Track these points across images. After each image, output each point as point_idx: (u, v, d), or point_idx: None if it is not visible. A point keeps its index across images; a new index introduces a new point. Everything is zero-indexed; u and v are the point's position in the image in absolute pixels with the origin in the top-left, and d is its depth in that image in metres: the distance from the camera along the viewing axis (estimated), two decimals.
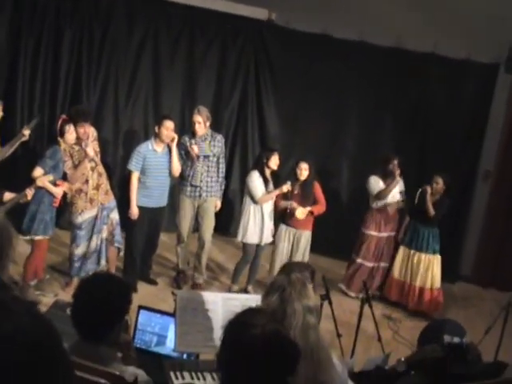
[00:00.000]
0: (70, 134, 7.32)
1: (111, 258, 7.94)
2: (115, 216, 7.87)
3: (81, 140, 7.40)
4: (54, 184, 7.15)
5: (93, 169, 7.55)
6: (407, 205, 8.98)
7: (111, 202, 7.86)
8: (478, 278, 10.45)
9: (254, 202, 8.10)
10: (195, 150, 8.00)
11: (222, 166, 8.46)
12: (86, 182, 7.51)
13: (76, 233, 7.62)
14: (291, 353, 2.54)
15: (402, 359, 3.84)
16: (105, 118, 10.02)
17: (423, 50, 10.07)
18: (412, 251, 8.72)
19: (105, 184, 7.74)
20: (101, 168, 7.73)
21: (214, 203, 8.37)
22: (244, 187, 8.38)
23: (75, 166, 7.41)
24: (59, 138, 7.32)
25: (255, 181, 8.07)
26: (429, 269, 8.64)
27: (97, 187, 7.59)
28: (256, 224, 8.14)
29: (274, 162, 8.10)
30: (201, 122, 8.02)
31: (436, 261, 8.67)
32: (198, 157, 8.04)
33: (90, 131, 7.53)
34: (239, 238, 8.28)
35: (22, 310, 1.52)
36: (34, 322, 1.53)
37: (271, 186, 8.18)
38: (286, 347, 2.52)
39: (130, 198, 7.90)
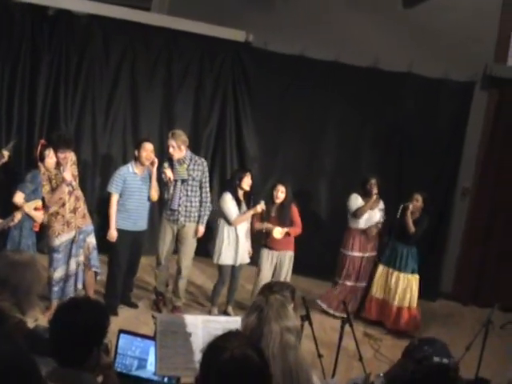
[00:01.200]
0: (50, 158, 7.35)
1: (89, 282, 7.89)
2: (92, 240, 7.81)
3: (60, 165, 7.40)
4: (34, 208, 7.14)
5: (70, 193, 7.52)
6: (387, 224, 9.01)
7: (88, 225, 7.81)
8: (458, 295, 10.50)
9: (229, 223, 8.11)
10: (168, 174, 7.99)
11: (206, 191, 8.29)
12: (63, 205, 7.48)
13: (53, 256, 7.57)
14: (259, 376, 2.55)
15: (381, 374, 3.85)
16: (83, 141, 9.99)
17: (399, 69, 10.19)
18: (390, 270, 8.74)
19: (82, 208, 7.71)
20: (78, 192, 7.71)
21: (193, 229, 8.27)
22: None
23: (53, 190, 7.40)
24: (39, 163, 7.33)
25: (228, 202, 8.07)
26: (407, 288, 8.65)
27: (74, 211, 7.56)
28: (230, 245, 8.13)
29: (247, 182, 8.10)
30: (175, 146, 7.97)
31: (414, 280, 8.69)
32: (175, 181, 8.02)
33: (70, 156, 7.52)
34: (214, 260, 8.27)
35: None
36: (10, 349, 1.54)
37: (244, 206, 8.17)
38: (253, 370, 2.53)
39: (109, 220, 7.88)
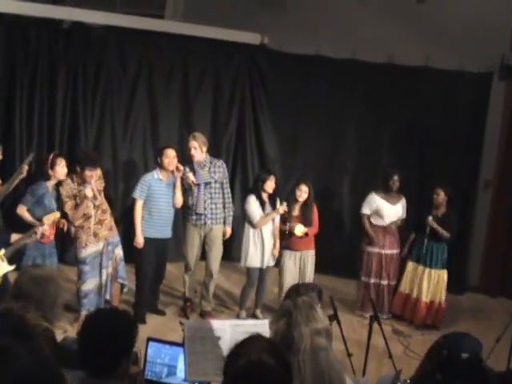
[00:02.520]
0: (61, 167, 7.37)
1: (114, 293, 7.94)
2: (119, 252, 7.87)
3: (85, 182, 7.46)
4: (39, 220, 7.05)
5: (95, 207, 7.57)
6: (410, 220, 8.98)
7: (115, 237, 7.86)
8: (485, 288, 10.44)
9: (253, 226, 8.13)
10: (190, 177, 8.00)
11: (227, 191, 8.37)
12: (88, 218, 7.52)
13: (81, 268, 7.62)
14: (276, 381, 2.54)
15: (408, 381, 3.84)
16: (103, 151, 10.01)
17: (416, 63, 10.14)
18: (420, 267, 8.70)
19: (108, 220, 7.74)
20: (105, 206, 7.75)
21: (221, 231, 8.32)
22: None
23: (76, 206, 7.46)
24: (50, 171, 7.35)
25: (252, 205, 8.09)
26: (438, 284, 8.64)
27: (100, 222, 7.59)
28: (257, 248, 8.15)
29: (270, 185, 8.10)
30: (196, 148, 8.02)
31: (444, 275, 8.67)
32: (197, 184, 8.04)
33: (96, 173, 7.58)
34: (242, 263, 8.29)
35: (24, 353, 1.54)
36: (36, 363, 1.55)
37: (269, 208, 8.18)
38: (268, 376, 2.51)
39: (135, 226, 7.91)
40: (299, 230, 8.14)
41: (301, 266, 8.34)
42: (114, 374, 3.11)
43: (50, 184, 7.44)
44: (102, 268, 7.64)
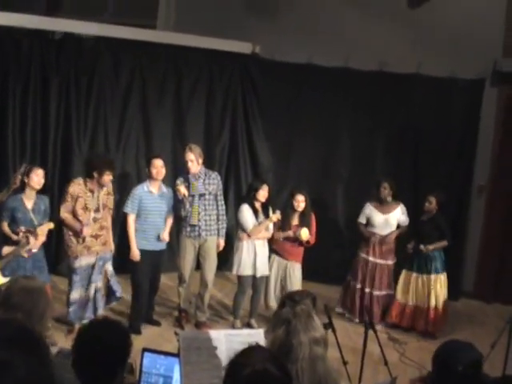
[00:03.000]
0: (37, 175, 7.10)
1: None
2: (109, 268, 7.80)
3: (103, 186, 7.53)
4: (15, 233, 6.89)
5: (95, 220, 7.55)
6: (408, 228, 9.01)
7: (108, 252, 7.81)
8: (480, 294, 10.46)
9: (247, 235, 8.13)
10: (182, 190, 7.98)
11: (221, 204, 8.36)
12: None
13: (71, 276, 7.57)
14: None
15: None
16: None
17: (408, 71, 10.18)
18: (414, 274, 8.73)
19: (104, 236, 7.70)
20: (105, 222, 7.71)
21: (215, 242, 8.31)
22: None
23: (74, 216, 7.42)
24: (25, 179, 7.07)
25: (245, 213, 8.11)
26: (433, 289, 8.63)
27: (95, 236, 7.55)
28: (249, 256, 8.14)
29: (263, 194, 8.10)
30: (193, 160, 8.00)
31: (439, 280, 8.67)
32: (192, 196, 8.03)
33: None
34: (234, 271, 8.29)
35: (21, 364, 1.54)
36: (32, 374, 1.55)
37: (262, 217, 8.18)
38: None
39: (129, 240, 7.90)
40: (305, 233, 8.14)
41: (286, 275, 8.38)
42: None
43: (26, 196, 7.14)
44: (90, 282, 7.61)
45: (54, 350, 4.18)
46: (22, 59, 9.57)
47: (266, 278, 8.38)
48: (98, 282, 7.68)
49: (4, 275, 6.76)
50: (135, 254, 7.88)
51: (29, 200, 7.17)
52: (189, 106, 10.64)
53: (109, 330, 3.23)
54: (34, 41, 9.60)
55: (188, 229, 8.16)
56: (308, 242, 8.26)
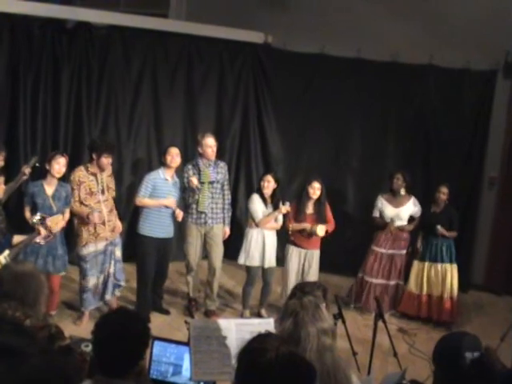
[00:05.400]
0: (57, 163, 7.18)
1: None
2: (118, 253, 7.83)
3: (102, 170, 7.52)
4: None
5: (103, 201, 7.55)
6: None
7: (117, 238, 7.84)
8: (490, 286, 10.43)
9: (255, 224, 8.13)
10: (194, 182, 7.99)
11: (227, 193, 8.40)
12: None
13: (81, 265, 7.60)
14: (307, 373, 2.53)
15: None
16: None
17: (420, 62, 10.13)
18: (427, 263, 8.71)
19: (113, 221, 7.72)
20: (111, 203, 7.75)
21: (221, 230, 8.33)
22: None
23: (81, 202, 7.43)
24: (46, 165, 7.20)
25: (255, 203, 8.10)
26: (445, 278, 8.62)
27: (103, 223, 7.55)
28: (257, 247, 8.14)
29: (266, 185, 8.08)
30: (213, 147, 8.07)
31: (452, 269, 8.67)
32: (201, 182, 8.04)
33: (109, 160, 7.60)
34: (241, 261, 8.26)
35: (34, 352, 1.54)
36: (46, 363, 1.56)
37: (270, 207, 8.17)
38: (301, 368, 2.51)
39: (157, 204, 7.87)
40: (321, 230, 8.09)
41: (305, 264, 8.32)
42: (128, 375, 3.11)
43: (47, 182, 7.25)
44: (103, 268, 7.65)
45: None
46: (34, 48, 9.57)
47: (285, 270, 8.35)
48: (110, 268, 7.71)
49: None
50: (169, 201, 7.92)
51: (50, 186, 7.26)
52: (200, 96, 10.62)
53: (130, 318, 3.25)
54: (46, 29, 9.60)
55: (194, 216, 8.18)
56: (327, 231, 8.22)
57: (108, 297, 7.80)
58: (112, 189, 7.80)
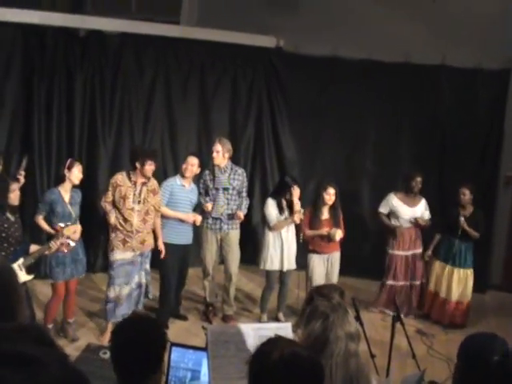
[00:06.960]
0: (79, 170, 7.22)
1: None
2: (146, 266, 7.73)
3: (147, 177, 7.48)
4: (55, 230, 6.91)
5: (138, 212, 7.47)
6: (434, 220, 8.95)
7: (147, 251, 7.71)
8: (508, 286, 10.37)
9: (269, 228, 8.12)
10: (209, 207, 8.09)
11: (245, 200, 8.42)
12: (125, 221, 7.43)
13: (109, 272, 7.53)
14: (313, 372, 2.52)
15: None
16: (122, 159, 9.86)
17: (433, 62, 10.11)
18: (448, 266, 8.68)
19: (143, 234, 7.53)
20: (149, 219, 7.59)
21: (237, 236, 8.37)
22: None
23: (121, 198, 7.39)
24: (66, 172, 7.18)
25: (270, 208, 8.11)
26: (465, 283, 8.63)
27: (132, 231, 7.41)
28: (276, 251, 8.14)
29: (294, 194, 8.03)
30: (219, 151, 8.05)
31: (471, 274, 8.67)
32: (217, 189, 8.08)
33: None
34: (261, 266, 8.29)
35: (51, 360, 1.55)
36: (64, 372, 1.56)
37: (287, 213, 8.14)
38: (306, 366, 2.50)
39: (174, 216, 7.94)
40: (339, 234, 8.13)
41: (328, 267, 8.33)
42: (146, 381, 3.11)
43: (64, 189, 7.22)
44: (129, 278, 7.50)
45: (70, 346, 4.16)
46: (47, 57, 9.59)
47: (310, 278, 8.30)
48: (141, 279, 7.63)
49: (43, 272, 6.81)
50: (186, 216, 7.98)
51: (66, 193, 7.24)
52: (213, 101, 10.64)
53: (146, 324, 3.24)
54: (58, 38, 9.62)
55: (210, 221, 8.22)
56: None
57: (140, 306, 7.73)
58: (151, 204, 7.57)
